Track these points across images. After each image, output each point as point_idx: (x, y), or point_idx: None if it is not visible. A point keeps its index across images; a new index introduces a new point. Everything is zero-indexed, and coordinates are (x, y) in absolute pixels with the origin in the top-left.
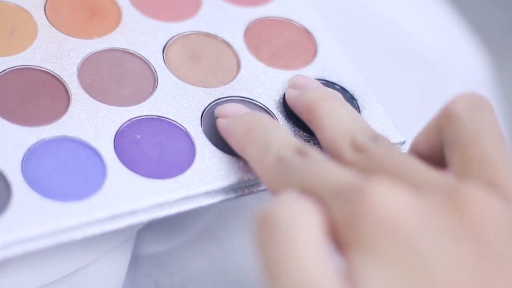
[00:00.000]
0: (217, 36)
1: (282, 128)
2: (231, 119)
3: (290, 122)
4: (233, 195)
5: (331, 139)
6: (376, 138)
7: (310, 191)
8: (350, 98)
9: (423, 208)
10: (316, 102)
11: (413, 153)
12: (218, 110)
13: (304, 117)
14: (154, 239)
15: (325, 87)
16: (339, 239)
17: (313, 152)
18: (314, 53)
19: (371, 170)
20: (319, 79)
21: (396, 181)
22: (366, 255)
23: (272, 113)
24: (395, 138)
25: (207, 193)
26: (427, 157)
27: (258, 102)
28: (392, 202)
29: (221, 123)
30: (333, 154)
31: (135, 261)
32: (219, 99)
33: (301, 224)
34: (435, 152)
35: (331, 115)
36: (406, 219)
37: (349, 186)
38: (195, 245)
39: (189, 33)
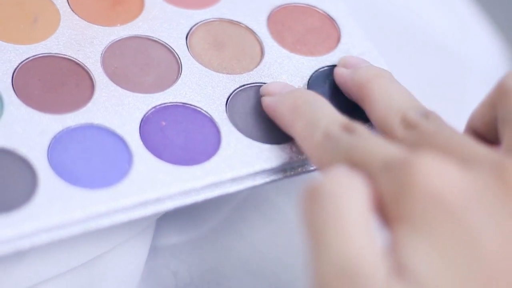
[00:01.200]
0: (240, 22)
1: (329, 105)
2: (278, 97)
3: None
4: (260, 182)
5: (382, 116)
6: (427, 114)
7: (358, 166)
8: None
9: (470, 182)
10: (368, 80)
11: (469, 130)
12: (264, 88)
13: (355, 95)
14: (173, 230)
15: (377, 66)
16: (386, 213)
17: (360, 128)
18: (338, 39)
19: (420, 145)
20: None
21: (444, 156)
22: (412, 229)
23: None
24: None
25: (234, 180)
26: (483, 134)
27: None
28: (440, 176)
29: (267, 101)
30: (384, 131)
31: (154, 251)
32: (243, 85)
33: (350, 198)
34: (489, 129)
35: (382, 92)
36: (454, 193)
37: (397, 160)
38: (214, 236)
39: (212, 20)
